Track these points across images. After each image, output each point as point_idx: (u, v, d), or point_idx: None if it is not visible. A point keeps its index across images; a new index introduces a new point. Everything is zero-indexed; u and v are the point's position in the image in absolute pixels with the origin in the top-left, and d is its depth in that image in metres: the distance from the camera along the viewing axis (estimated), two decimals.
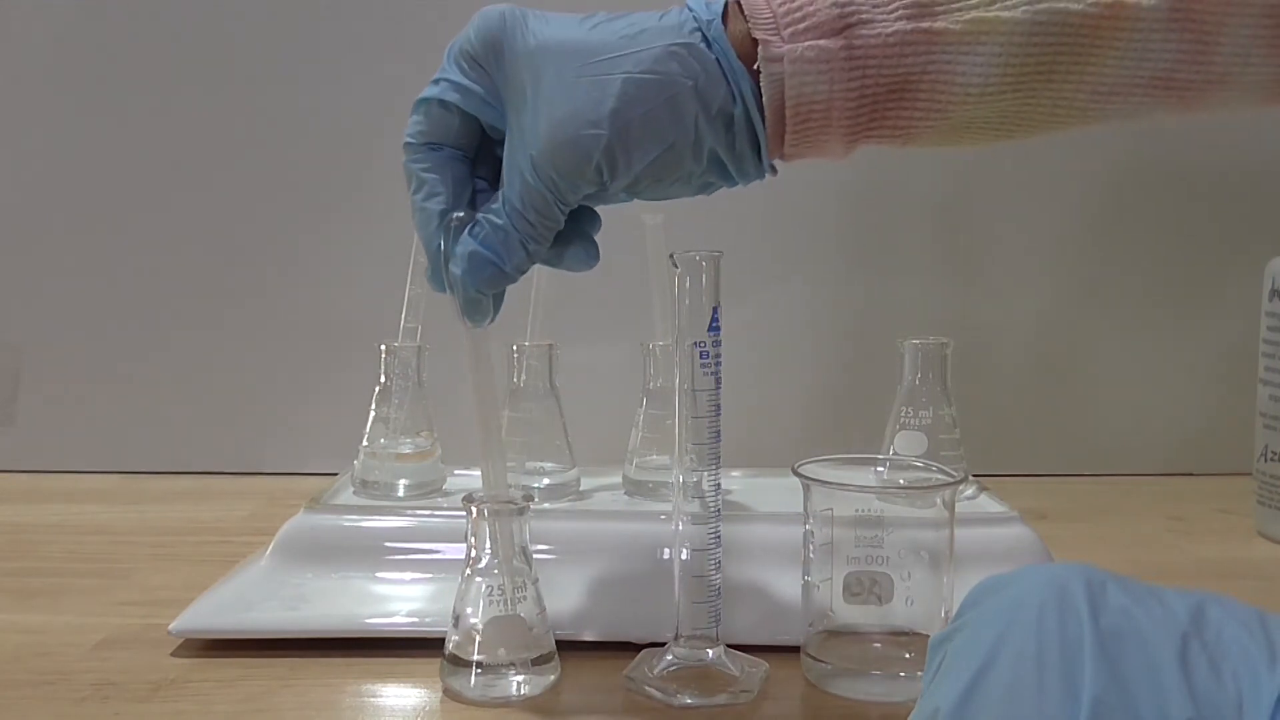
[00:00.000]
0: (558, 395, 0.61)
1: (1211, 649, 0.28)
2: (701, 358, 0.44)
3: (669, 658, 0.47)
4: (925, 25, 0.39)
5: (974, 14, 0.39)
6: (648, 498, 0.61)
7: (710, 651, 0.46)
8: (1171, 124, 0.42)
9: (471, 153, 0.45)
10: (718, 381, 0.45)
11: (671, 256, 0.44)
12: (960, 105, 0.40)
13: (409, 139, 0.44)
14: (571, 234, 0.44)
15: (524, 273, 0.43)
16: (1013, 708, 0.28)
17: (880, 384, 0.64)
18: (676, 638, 0.47)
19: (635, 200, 0.45)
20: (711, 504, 0.45)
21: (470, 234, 0.42)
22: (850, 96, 0.40)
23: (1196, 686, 0.27)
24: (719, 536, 0.46)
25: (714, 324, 0.44)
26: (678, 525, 0.46)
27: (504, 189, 0.42)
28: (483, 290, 0.43)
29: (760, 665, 0.47)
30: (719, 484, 0.46)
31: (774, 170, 0.43)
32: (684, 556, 0.46)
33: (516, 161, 0.41)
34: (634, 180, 0.41)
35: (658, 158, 0.40)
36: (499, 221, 0.42)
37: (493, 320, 0.44)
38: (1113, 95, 0.40)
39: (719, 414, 0.45)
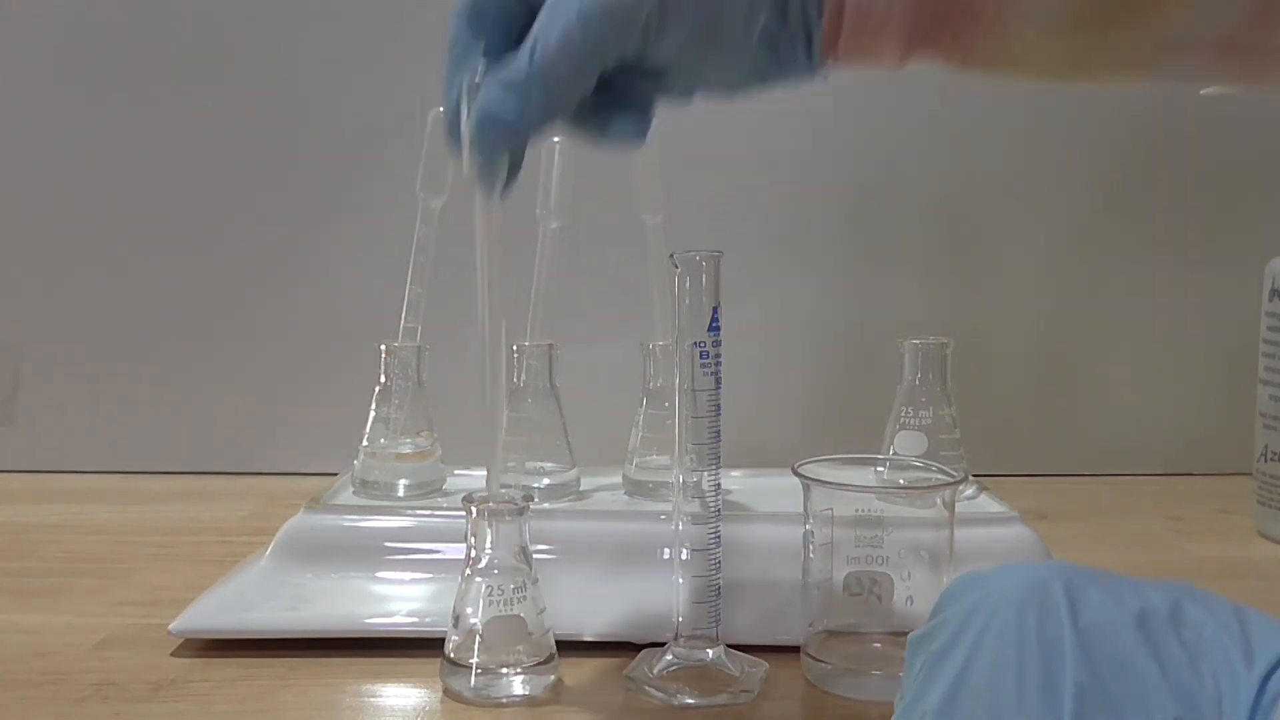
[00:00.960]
0: (558, 395, 0.61)
1: (1191, 647, 0.29)
2: (701, 358, 0.44)
3: (669, 658, 0.47)
4: None
5: None
6: (648, 498, 0.61)
7: (710, 651, 0.46)
8: (1235, 93, 0.41)
9: (517, 29, 0.42)
10: (718, 381, 0.45)
11: (671, 256, 0.44)
12: (1020, 35, 0.39)
13: (456, 7, 0.42)
14: (617, 103, 0.43)
15: (539, 131, 0.41)
16: (995, 708, 0.28)
17: (880, 384, 0.64)
18: (676, 638, 0.47)
19: (666, 95, 0.43)
20: (711, 504, 0.45)
21: (488, 88, 0.41)
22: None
23: (1177, 684, 0.28)
24: (719, 536, 0.46)
25: (714, 324, 0.44)
26: (678, 525, 0.46)
27: (536, 39, 0.40)
28: (497, 146, 0.41)
29: (760, 665, 0.47)
30: (719, 484, 0.46)
31: (824, 76, 0.41)
32: (684, 556, 0.46)
33: (562, 9, 0.40)
34: (680, 46, 0.40)
35: (709, 16, 0.39)
36: (518, 78, 0.40)
37: (508, 188, 0.43)
38: (1176, 51, 0.39)
39: (719, 414, 0.45)
